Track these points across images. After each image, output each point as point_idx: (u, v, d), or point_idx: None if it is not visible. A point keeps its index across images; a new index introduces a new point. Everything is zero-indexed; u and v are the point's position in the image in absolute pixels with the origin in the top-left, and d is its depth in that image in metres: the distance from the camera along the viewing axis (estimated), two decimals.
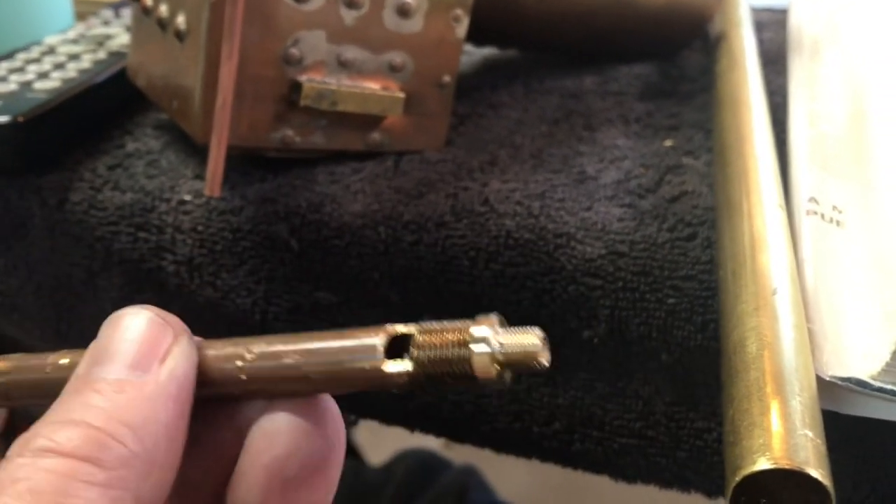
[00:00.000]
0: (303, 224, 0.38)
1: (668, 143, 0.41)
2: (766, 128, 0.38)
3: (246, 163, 0.40)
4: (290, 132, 0.38)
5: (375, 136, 0.40)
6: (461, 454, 0.76)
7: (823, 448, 0.23)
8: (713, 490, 0.36)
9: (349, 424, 0.54)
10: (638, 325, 0.34)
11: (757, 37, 0.51)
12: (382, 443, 0.80)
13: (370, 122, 0.40)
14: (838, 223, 0.34)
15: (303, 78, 0.37)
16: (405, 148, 0.41)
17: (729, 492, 0.22)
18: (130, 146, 0.43)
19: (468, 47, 0.51)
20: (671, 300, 0.34)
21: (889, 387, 0.27)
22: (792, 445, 0.22)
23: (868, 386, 0.27)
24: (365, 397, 0.39)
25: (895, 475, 0.32)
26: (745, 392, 0.24)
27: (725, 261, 0.30)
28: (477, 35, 0.44)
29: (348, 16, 0.37)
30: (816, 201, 0.34)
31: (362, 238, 0.37)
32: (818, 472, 0.22)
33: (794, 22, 0.52)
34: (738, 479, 0.22)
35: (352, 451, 0.97)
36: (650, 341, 0.34)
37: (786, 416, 0.23)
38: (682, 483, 0.36)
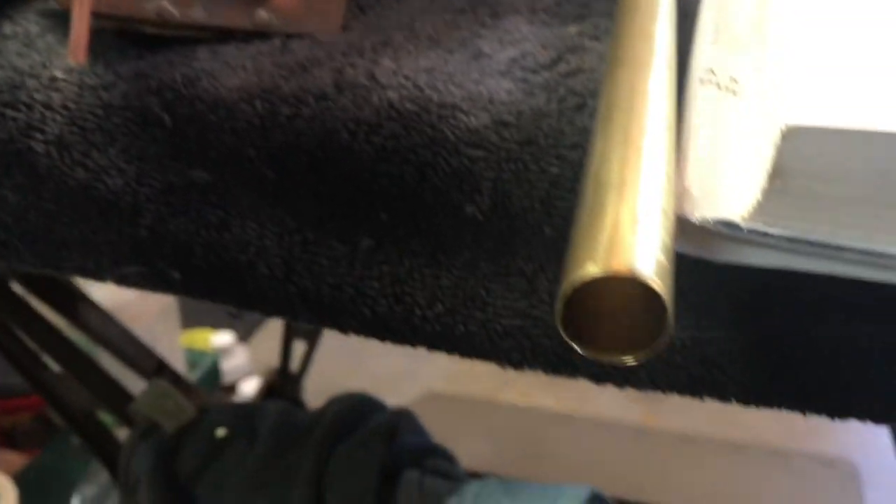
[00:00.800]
0: (176, 98, 0.35)
1: (574, 29, 0.39)
2: (668, 7, 0.36)
3: (123, 40, 0.38)
4: (165, 3, 0.36)
5: (263, 14, 0.38)
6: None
7: (668, 266, 0.21)
8: (601, 375, 0.34)
9: (232, 315, 0.52)
10: (521, 197, 0.32)
11: None
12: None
13: None
14: (734, 92, 0.32)
15: None
16: (295, 30, 0.39)
17: (559, 307, 0.20)
18: (8, 29, 0.41)
19: None
20: (555, 169, 0.32)
21: (761, 228, 0.25)
22: (630, 254, 0.20)
23: (738, 228, 0.25)
24: (244, 284, 0.37)
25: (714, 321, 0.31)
26: (589, 213, 0.22)
27: (602, 107, 0.28)
28: None
29: None
30: (713, 72, 0.33)
31: (238, 112, 0.35)
32: (654, 281, 0.20)
33: None
34: (567, 289, 0.20)
35: (291, 398, 0.95)
36: (533, 214, 0.32)
37: (629, 233, 0.21)
38: (567, 367, 0.34)
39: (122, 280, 0.38)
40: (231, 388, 1.29)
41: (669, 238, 0.22)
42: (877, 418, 0.32)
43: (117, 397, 0.74)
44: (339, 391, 0.74)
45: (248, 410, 0.71)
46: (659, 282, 0.20)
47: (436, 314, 0.34)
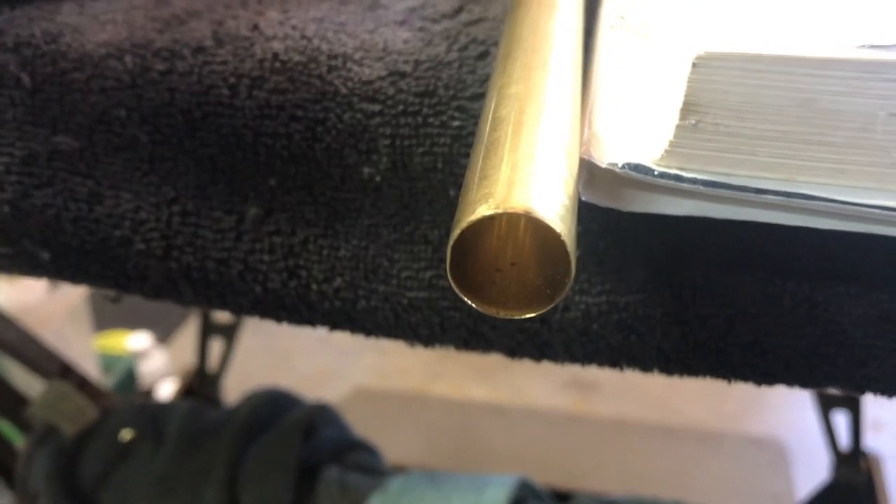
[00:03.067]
0: (36, 56, 0.32)
1: None
2: None
3: None
4: None
5: None
6: (349, 421, 0.71)
7: (569, 205, 0.18)
8: (515, 348, 0.31)
9: (111, 300, 0.48)
10: (422, 156, 0.29)
11: None
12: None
13: None
14: (646, 36, 0.30)
15: None
16: None
17: (448, 254, 0.18)
18: None
19: None
20: (456, 122, 0.29)
21: (673, 171, 0.23)
22: (526, 191, 0.17)
23: (650, 172, 0.23)
24: (121, 263, 0.33)
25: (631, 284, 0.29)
26: (484, 152, 0.19)
27: (502, 45, 0.26)
28: None
29: None
30: (624, 17, 0.30)
31: (105, 70, 0.31)
32: (553, 221, 0.17)
33: None
34: (456, 233, 0.17)
35: (209, 399, 0.91)
36: (436, 174, 0.30)
37: (527, 169, 0.18)
38: (481, 341, 0.31)
39: None
40: (149, 393, 1.23)
41: (572, 179, 0.19)
42: (802, 382, 0.30)
43: (12, 402, 0.69)
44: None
45: (155, 410, 0.67)
46: (559, 223, 0.17)
47: (335, 289, 0.31)
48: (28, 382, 0.81)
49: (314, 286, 0.31)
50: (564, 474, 1.18)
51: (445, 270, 0.18)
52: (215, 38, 0.31)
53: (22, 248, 0.34)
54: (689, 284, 0.29)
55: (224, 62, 0.30)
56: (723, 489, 1.20)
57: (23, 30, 0.32)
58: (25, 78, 0.31)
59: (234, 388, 1.08)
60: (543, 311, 0.18)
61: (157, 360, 1.26)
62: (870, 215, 0.22)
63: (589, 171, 0.23)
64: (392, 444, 0.82)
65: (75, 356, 0.89)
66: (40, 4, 0.33)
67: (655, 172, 0.23)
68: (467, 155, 0.29)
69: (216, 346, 1.03)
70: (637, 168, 0.23)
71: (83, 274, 0.34)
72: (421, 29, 0.31)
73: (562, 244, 0.17)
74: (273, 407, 0.68)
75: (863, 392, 0.30)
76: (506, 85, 0.22)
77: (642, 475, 1.23)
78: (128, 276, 0.33)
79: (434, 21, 0.32)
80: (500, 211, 0.17)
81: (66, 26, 0.32)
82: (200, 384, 1.02)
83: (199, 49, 0.31)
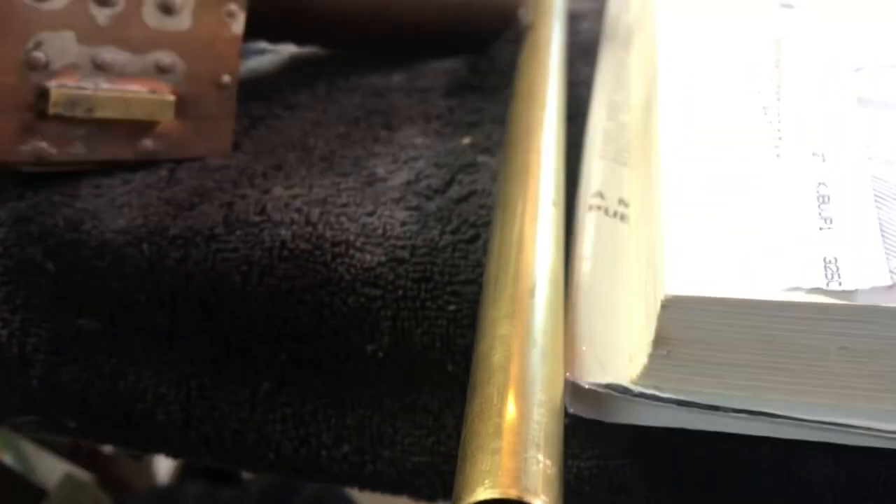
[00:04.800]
0: (59, 245, 0.34)
1: (467, 140, 0.39)
2: (556, 122, 0.36)
3: (2, 178, 0.37)
4: (43, 144, 0.35)
5: (148, 143, 0.37)
6: None
7: (555, 471, 0.21)
8: None
9: (134, 458, 0.50)
10: (421, 335, 0.32)
11: (574, 27, 0.50)
12: None
13: (139, 128, 0.37)
14: (622, 217, 0.32)
15: (51, 84, 0.34)
16: (184, 155, 0.38)
17: None
18: None
19: (273, 45, 0.48)
20: (452, 307, 0.31)
21: (650, 391, 0.25)
22: (515, 472, 0.20)
23: (629, 392, 0.25)
24: (144, 431, 0.35)
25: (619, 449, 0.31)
26: (479, 410, 0.22)
27: (491, 264, 0.28)
28: (265, 32, 0.42)
29: (101, 14, 0.34)
30: (602, 196, 0.33)
31: (124, 257, 0.34)
32: (541, 499, 0.20)
33: (612, 10, 0.50)
34: None
35: (216, 469, 0.93)
36: (434, 352, 0.32)
37: (516, 438, 0.21)
38: None
39: (17, 429, 0.37)
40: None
41: (557, 436, 0.22)
42: None
43: (28, 495, 0.71)
44: None
45: (167, 495, 0.69)
46: (545, 498, 0.20)
47: (343, 454, 0.34)
48: (40, 460, 0.83)
49: (324, 452, 0.34)
50: None
51: None
52: (226, 223, 0.34)
53: (50, 416, 0.36)
54: (671, 450, 0.32)
55: (235, 249, 0.33)
56: None
57: (46, 218, 0.34)
58: (51, 266, 0.34)
59: None
60: None
61: None
62: (827, 428, 0.25)
63: (574, 389, 0.26)
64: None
65: None
66: (60, 187, 0.36)
67: (634, 392, 0.25)
68: (463, 335, 0.32)
69: None
70: (617, 388, 0.25)
71: (108, 439, 0.36)
72: (416, 207, 0.34)
73: None
74: (282, 488, 0.70)
75: None
76: (496, 320, 0.25)
77: None
78: (150, 442, 0.35)
79: (428, 198, 0.34)
80: (495, 496, 0.19)
81: (86, 213, 0.35)
82: None
83: (211, 237, 0.33)
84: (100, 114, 0.35)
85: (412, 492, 0.34)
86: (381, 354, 0.33)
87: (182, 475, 0.87)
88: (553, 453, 0.21)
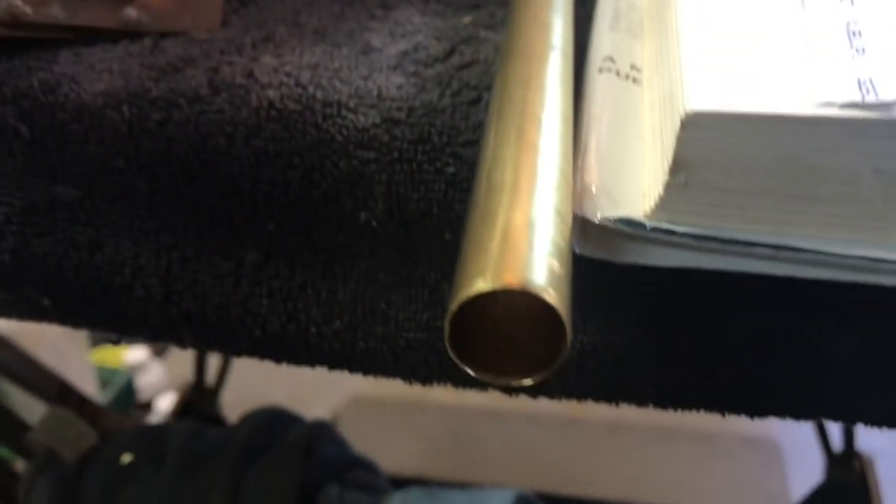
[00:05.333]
0: (34, 107, 0.32)
1: (468, 18, 0.37)
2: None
3: None
4: (17, 2, 0.32)
5: (131, 12, 0.35)
6: (347, 430, 0.71)
7: (563, 272, 0.19)
8: (510, 387, 0.32)
9: (112, 342, 0.48)
10: (417, 201, 0.30)
11: None
12: None
13: None
14: (634, 80, 0.30)
15: None
16: (170, 27, 0.36)
17: (447, 327, 0.18)
18: None
19: None
20: (451, 169, 0.30)
21: (664, 226, 0.23)
22: (520, 265, 0.18)
23: (642, 227, 0.23)
24: (122, 309, 0.33)
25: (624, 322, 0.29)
26: (481, 219, 0.20)
27: (495, 101, 0.26)
28: None
29: None
30: (613, 60, 0.31)
31: (103, 120, 0.32)
32: (548, 293, 0.18)
33: None
34: (454, 307, 0.18)
35: (207, 413, 0.91)
36: (431, 219, 0.30)
37: (520, 240, 0.19)
38: (477, 380, 0.32)
39: None
40: (147, 406, 1.23)
41: (565, 244, 0.20)
42: (793, 415, 0.31)
43: (12, 428, 0.69)
44: (261, 402, 0.71)
45: (155, 433, 0.67)
46: (553, 293, 0.18)
47: (333, 331, 0.32)
48: (27, 404, 0.81)
49: (313, 329, 0.32)
50: (562, 479, 1.19)
51: (445, 341, 0.19)
52: (211, 85, 0.32)
53: (22, 294, 0.34)
54: (681, 321, 0.30)
55: (220, 111, 0.31)
56: (718, 490, 1.21)
57: (21, 80, 0.32)
58: (24, 129, 0.32)
59: (232, 397, 1.08)
60: (540, 377, 0.19)
61: (154, 374, 1.26)
62: (857, 265, 0.23)
63: (582, 226, 0.24)
64: (389, 452, 0.82)
65: (73, 372, 0.89)
66: (38, 53, 0.34)
67: (647, 227, 0.23)
68: (462, 200, 0.30)
69: (213, 359, 1.03)
70: (629, 223, 0.23)
71: (84, 319, 0.34)
72: (414, 73, 0.32)
73: (556, 315, 0.18)
74: (272, 426, 0.68)
75: (853, 423, 0.30)
76: (499, 146, 0.23)
77: (639, 477, 1.24)
78: (128, 322, 0.33)
79: (426, 65, 0.32)
80: (496, 287, 0.17)
81: (64, 76, 0.32)
82: (199, 398, 1.02)
83: (196, 98, 0.31)
84: None
85: (405, 372, 0.32)
86: (374, 223, 0.31)
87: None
88: (562, 258, 0.19)
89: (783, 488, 1.16)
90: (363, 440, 0.75)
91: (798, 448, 1.20)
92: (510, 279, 0.17)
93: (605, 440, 1.29)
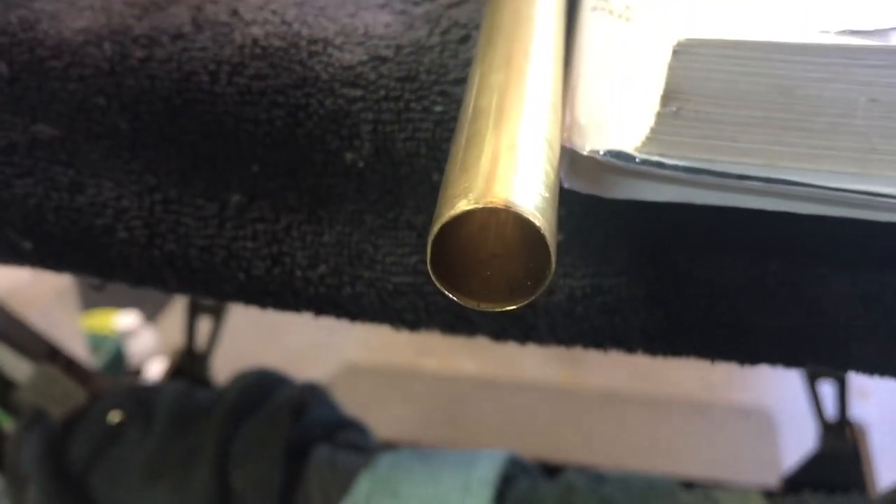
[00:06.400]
0: (12, 44, 0.31)
1: None
2: None
3: None
4: None
5: None
6: (340, 396, 0.71)
7: (549, 198, 0.18)
8: (500, 331, 0.31)
9: (95, 288, 0.48)
10: (405, 141, 0.29)
11: None
12: None
13: None
14: (628, 19, 0.30)
15: None
16: None
17: (428, 250, 0.18)
18: None
19: None
20: (439, 108, 0.29)
21: (655, 158, 0.23)
22: (505, 185, 0.17)
23: (631, 159, 0.23)
24: (104, 251, 0.33)
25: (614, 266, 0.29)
26: (464, 144, 0.19)
27: (484, 33, 0.25)
28: None
29: None
30: None
31: (84, 57, 0.31)
32: (532, 214, 0.17)
33: None
34: (436, 229, 0.17)
35: (198, 378, 0.91)
36: (419, 159, 0.29)
37: (506, 162, 0.18)
38: (466, 325, 0.31)
39: None
40: (138, 372, 1.23)
41: (553, 170, 0.19)
42: (785, 362, 0.30)
43: (0, 386, 0.69)
44: (252, 366, 0.70)
45: (144, 393, 0.67)
46: (539, 216, 0.17)
47: (319, 275, 0.31)
48: (15, 365, 0.81)
49: (298, 272, 0.31)
50: (555, 446, 1.19)
51: (426, 262, 0.18)
52: (194, 23, 0.31)
53: (3, 237, 0.33)
54: (672, 266, 0.29)
55: (203, 48, 0.30)
56: (711, 458, 1.21)
57: None
58: (3, 66, 0.31)
59: (224, 365, 1.08)
60: (523, 303, 0.18)
61: (145, 340, 1.26)
62: (851, 200, 0.22)
63: (571, 159, 0.23)
64: (382, 419, 0.82)
65: (63, 337, 0.89)
66: None
67: (637, 160, 0.23)
68: (450, 140, 0.29)
69: (204, 325, 1.03)
70: (619, 155, 0.23)
71: (66, 263, 0.33)
72: (402, 12, 0.31)
73: (542, 237, 0.17)
74: (262, 387, 0.68)
75: (845, 370, 0.30)
76: (486, 73, 0.22)
77: (631, 446, 1.24)
78: (111, 265, 0.33)
79: (415, 4, 0.32)
80: (479, 206, 0.17)
81: (44, 13, 0.32)
82: (189, 363, 1.02)
83: (179, 35, 0.30)
84: None
85: (393, 317, 0.32)
86: (361, 164, 0.30)
87: None
88: (549, 185, 0.19)
89: (775, 457, 1.17)
90: (357, 408, 0.75)
91: (790, 417, 1.21)
92: (495, 199, 0.17)
93: (598, 409, 1.29)
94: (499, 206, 0.17)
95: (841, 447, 0.80)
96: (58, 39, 0.31)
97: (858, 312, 0.29)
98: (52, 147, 0.32)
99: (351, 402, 0.75)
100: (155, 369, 1.21)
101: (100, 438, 0.62)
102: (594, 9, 0.30)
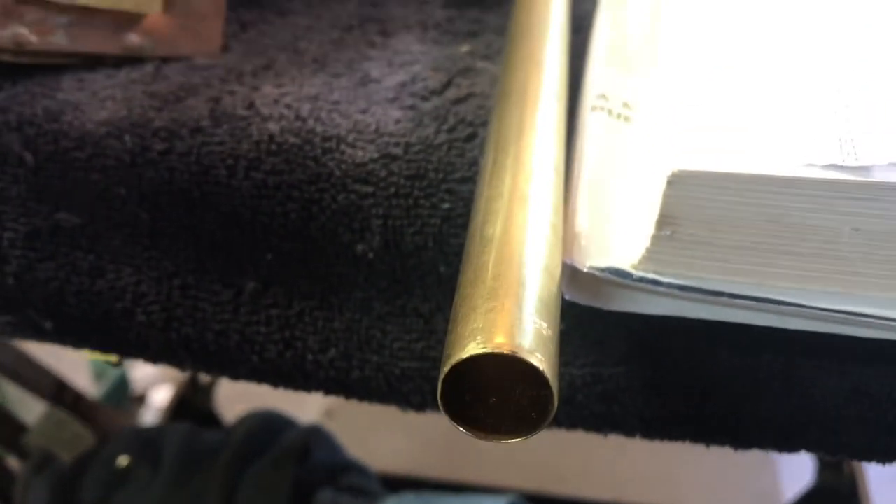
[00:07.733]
0: (38, 134, 0.33)
1: (466, 48, 0.38)
2: (561, 31, 0.35)
3: None
4: (23, 30, 0.33)
5: (133, 38, 0.36)
6: (341, 426, 0.72)
7: (551, 334, 0.20)
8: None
9: (113, 365, 0.49)
10: (413, 235, 0.31)
11: None
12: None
13: (125, 20, 0.35)
14: (626, 119, 0.31)
15: None
16: (171, 53, 0.36)
17: (440, 387, 0.19)
18: None
19: None
20: (446, 205, 0.30)
21: (650, 276, 0.24)
22: (510, 329, 0.19)
23: (629, 276, 0.24)
24: (123, 333, 0.34)
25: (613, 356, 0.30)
26: (473, 277, 0.21)
27: (490, 149, 0.27)
28: None
29: None
30: (606, 97, 0.32)
31: (106, 148, 0.32)
32: (536, 357, 0.18)
33: None
34: (446, 369, 0.19)
35: (202, 409, 0.92)
36: (426, 252, 0.31)
37: (512, 300, 0.20)
38: None
39: None
40: (141, 399, 1.24)
41: (554, 302, 0.21)
42: (778, 448, 0.31)
43: (10, 429, 0.70)
44: (256, 397, 0.71)
45: (151, 435, 0.68)
46: (540, 357, 0.18)
47: (329, 359, 0.33)
48: (23, 403, 0.82)
49: (309, 356, 0.33)
50: (554, 478, 1.20)
51: (437, 398, 0.19)
52: (212, 117, 0.32)
53: (25, 317, 0.35)
54: (668, 357, 0.31)
55: (221, 143, 0.32)
56: (710, 490, 1.22)
57: (26, 108, 0.33)
58: (28, 157, 0.32)
59: (228, 394, 1.09)
60: (529, 436, 0.20)
61: (148, 367, 1.27)
62: (835, 318, 0.24)
63: (571, 273, 0.25)
64: (382, 450, 0.83)
65: (67, 365, 0.90)
66: (42, 80, 0.34)
67: (634, 277, 0.24)
68: (457, 235, 0.30)
69: None
70: (617, 272, 0.24)
71: (85, 342, 0.35)
72: (412, 107, 0.33)
73: (544, 380, 0.18)
74: (267, 430, 0.69)
75: (836, 457, 0.31)
76: (492, 198, 0.24)
77: (631, 477, 1.25)
78: (129, 345, 0.34)
79: (424, 98, 0.33)
80: (487, 350, 0.18)
81: (67, 104, 0.33)
82: (194, 393, 1.03)
83: (197, 129, 0.32)
84: (83, 0, 0.33)
85: (400, 400, 0.33)
86: (371, 255, 0.31)
87: (168, 422, 0.86)
88: (550, 318, 0.20)
89: (773, 491, 1.18)
90: (356, 437, 0.76)
91: None
92: (502, 347, 0.18)
93: (596, 440, 1.30)
94: (506, 354, 0.18)
95: (838, 482, 0.81)
96: (81, 131, 0.32)
97: (847, 403, 0.30)
98: (73, 234, 0.33)
99: (351, 432, 0.76)
100: (159, 397, 1.22)
101: (108, 482, 0.63)
102: (593, 108, 0.31)
